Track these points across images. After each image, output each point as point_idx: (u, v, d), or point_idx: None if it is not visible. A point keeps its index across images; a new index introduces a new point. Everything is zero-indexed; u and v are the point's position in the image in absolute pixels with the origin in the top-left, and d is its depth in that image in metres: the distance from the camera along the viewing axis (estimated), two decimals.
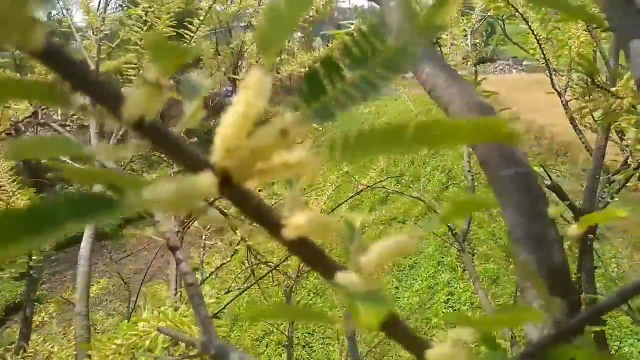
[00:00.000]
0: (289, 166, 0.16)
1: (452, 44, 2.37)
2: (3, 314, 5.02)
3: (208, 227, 1.98)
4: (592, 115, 1.00)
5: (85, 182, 0.21)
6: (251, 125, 0.16)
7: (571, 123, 1.43)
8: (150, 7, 1.32)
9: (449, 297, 5.03)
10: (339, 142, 0.15)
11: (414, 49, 0.15)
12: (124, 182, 0.16)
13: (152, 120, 0.15)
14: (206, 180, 0.15)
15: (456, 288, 5.42)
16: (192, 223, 1.38)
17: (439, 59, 0.38)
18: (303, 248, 0.18)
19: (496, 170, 0.30)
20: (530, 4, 1.39)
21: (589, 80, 0.76)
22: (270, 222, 0.17)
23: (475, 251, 6.78)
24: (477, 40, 2.83)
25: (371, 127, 0.15)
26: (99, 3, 1.71)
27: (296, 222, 0.17)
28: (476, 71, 2.12)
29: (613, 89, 0.72)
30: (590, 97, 0.79)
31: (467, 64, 2.32)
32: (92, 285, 1.66)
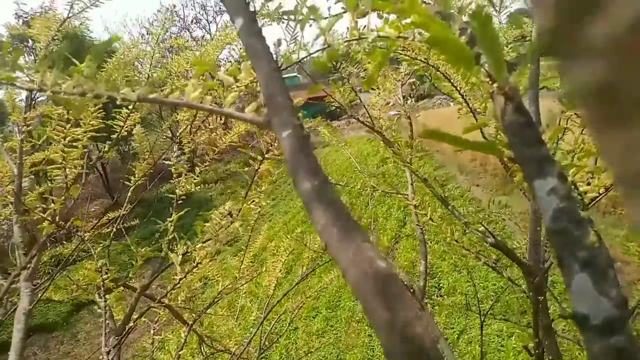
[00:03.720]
0: None
1: (384, 94, 2.43)
2: None
3: (156, 320, 1.83)
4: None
5: None
6: None
7: (506, 171, 1.46)
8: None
9: None
10: None
11: None
12: None
13: None
14: None
15: None
16: (128, 335, 1.25)
17: (335, 205, 0.34)
18: None
19: None
20: (449, 65, 1.44)
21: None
22: None
23: (442, 285, 6.80)
24: (413, 80, 2.95)
25: None
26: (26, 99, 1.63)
27: None
28: (411, 123, 2.17)
29: None
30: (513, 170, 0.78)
31: (400, 111, 2.38)
32: None
